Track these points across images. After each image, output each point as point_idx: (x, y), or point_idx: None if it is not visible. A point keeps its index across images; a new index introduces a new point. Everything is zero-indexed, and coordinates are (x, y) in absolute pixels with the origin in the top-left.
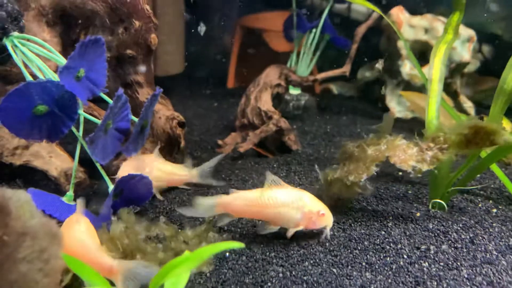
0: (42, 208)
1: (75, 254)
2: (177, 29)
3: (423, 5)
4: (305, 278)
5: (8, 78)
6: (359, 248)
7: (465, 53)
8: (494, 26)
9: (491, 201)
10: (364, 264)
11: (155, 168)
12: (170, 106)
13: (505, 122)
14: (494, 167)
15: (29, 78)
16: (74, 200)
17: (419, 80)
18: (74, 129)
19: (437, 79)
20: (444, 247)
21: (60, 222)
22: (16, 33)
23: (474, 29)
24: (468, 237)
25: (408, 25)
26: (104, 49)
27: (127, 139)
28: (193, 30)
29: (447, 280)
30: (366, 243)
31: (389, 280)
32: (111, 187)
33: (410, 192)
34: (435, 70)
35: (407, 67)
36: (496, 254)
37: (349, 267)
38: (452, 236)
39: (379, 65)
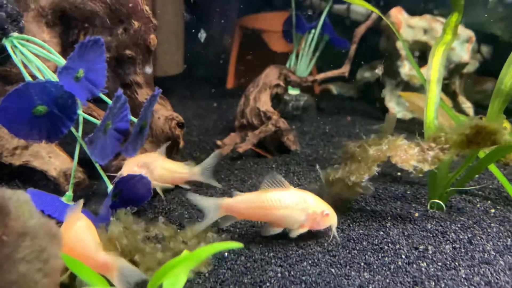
0: (41, 208)
1: (73, 249)
2: (176, 30)
3: (423, 6)
4: (303, 278)
5: (7, 78)
6: (357, 248)
7: (464, 53)
8: (493, 26)
9: (489, 201)
10: (362, 264)
11: (158, 167)
12: (169, 106)
13: (505, 123)
14: (493, 168)
15: (28, 78)
16: (74, 200)
17: (418, 80)
18: (73, 130)
19: (435, 79)
20: (442, 247)
21: (59, 222)
22: (15, 34)
23: (473, 29)
24: (466, 237)
25: (407, 26)
26: (104, 50)
27: (126, 139)
28: (193, 30)
29: (445, 280)
30: (364, 243)
31: (387, 280)
32: (110, 187)
33: (408, 192)
34: (434, 71)
35: (406, 68)
36: (494, 254)
37: (348, 267)
38: (450, 236)
39: (379, 70)
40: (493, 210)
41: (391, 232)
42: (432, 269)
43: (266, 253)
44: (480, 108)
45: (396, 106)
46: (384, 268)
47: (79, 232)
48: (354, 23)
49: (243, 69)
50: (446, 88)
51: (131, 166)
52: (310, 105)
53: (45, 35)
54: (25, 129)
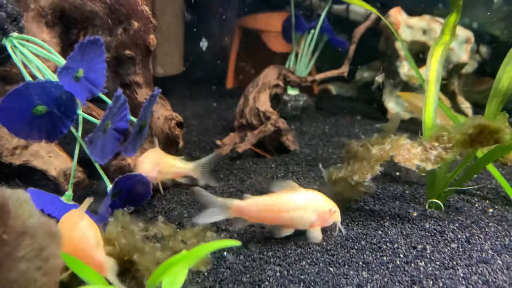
0: (41, 207)
1: (74, 247)
2: (176, 30)
3: (423, 6)
4: (302, 277)
5: (7, 78)
6: (356, 247)
7: (462, 54)
8: (492, 27)
9: (487, 201)
10: (361, 263)
11: (166, 164)
12: (168, 106)
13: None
14: (491, 167)
15: (28, 78)
16: (74, 200)
17: (417, 81)
18: (73, 129)
19: (434, 80)
20: (440, 246)
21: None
22: (15, 34)
23: (472, 30)
24: (464, 236)
25: (406, 26)
26: (103, 50)
27: (126, 139)
28: (194, 30)
29: (443, 279)
30: (363, 242)
31: (386, 279)
32: (109, 187)
33: (407, 192)
34: (432, 71)
35: (405, 68)
36: (492, 253)
37: (346, 266)
38: (449, 235)
39: (380, 78)
40: (491, 210)
41: (389, 232)
42: (430, 268)
43: (265, 252)
44: (479, 108)
45: (395, 106)
46: (383, 267)
47: (84, 231)
48: (353, 23)
49: (243, 69)
50: (445, 89)
51: (148, 165)
52: (309, 105)
53: (45, 35)
54: (25, 129)
